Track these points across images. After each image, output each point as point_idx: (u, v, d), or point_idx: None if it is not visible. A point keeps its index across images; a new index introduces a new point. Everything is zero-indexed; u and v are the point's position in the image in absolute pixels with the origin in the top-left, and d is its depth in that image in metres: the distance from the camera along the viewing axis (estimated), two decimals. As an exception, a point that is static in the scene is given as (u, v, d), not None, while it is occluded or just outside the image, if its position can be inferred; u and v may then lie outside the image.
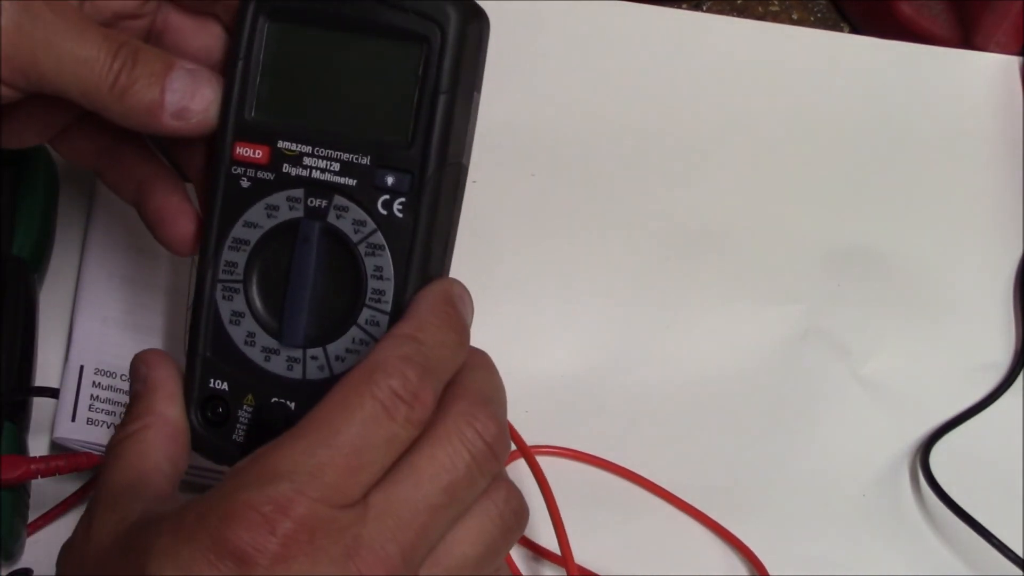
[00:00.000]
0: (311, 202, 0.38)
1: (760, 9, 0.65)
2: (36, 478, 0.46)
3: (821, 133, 0.59)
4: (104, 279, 0.51)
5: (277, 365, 0.38)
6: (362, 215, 0.37)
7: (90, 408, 0.49)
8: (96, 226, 0.52)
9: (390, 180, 0.37)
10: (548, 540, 0.49)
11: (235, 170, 0.38)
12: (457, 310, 0.36)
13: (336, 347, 0.38)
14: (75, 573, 0.34)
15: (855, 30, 0.65)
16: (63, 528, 0.48)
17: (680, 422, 0.53)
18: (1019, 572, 0.50)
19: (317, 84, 0.38)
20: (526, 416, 0.52)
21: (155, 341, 0.51)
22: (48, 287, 0.52)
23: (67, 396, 0.49)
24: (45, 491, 0.48)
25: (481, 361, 0.37)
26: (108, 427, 0.49)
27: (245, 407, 0.38)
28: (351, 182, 0.37)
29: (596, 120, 0.59)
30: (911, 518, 0.53)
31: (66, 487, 0.49)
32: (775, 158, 0.59)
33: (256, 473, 0.32)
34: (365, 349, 0.37)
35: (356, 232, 0.37)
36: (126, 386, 0.50)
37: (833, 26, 0.65)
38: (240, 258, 0.38)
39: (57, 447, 0.49)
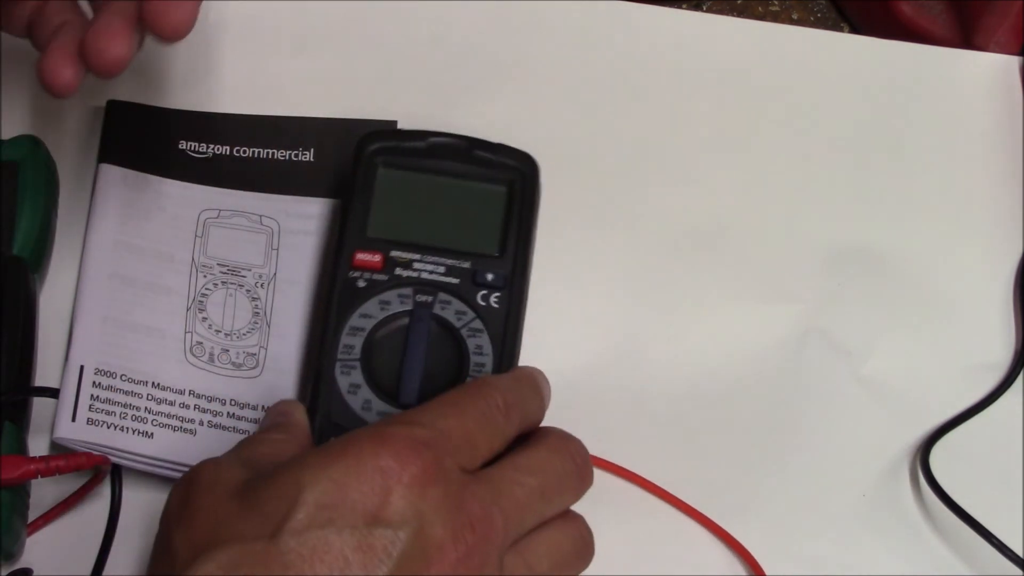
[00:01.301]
0: (419, 297, 0.48)
1: (760, 9, 0.65)
2: (36, 478, 0.46)
3: (821, 133, 0.59)
4: (104, 279, 0.51)
5: None
6: (463, 307, 0.48)
7: (90, 408, 0.49)
8: (96, 226, 0.52)
9: (490, 278, 0.48)
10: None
11: (353, 274, 0.48)
12: (540, 385, 0.45)
13: None
14: (205, 498, 0.38)
15: (855, 30, 0.65)
16: (63, 528, 0.49)
17: (679, 421, 0.53)
18: (1019, 572, 0.50)
19: (423, 210, 0.50)
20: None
21: (154, 341, 0.51)
22: (48, 287, 0.52)
23: (67, 396, 0.49)
24: (45, 491, 0.48)
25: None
26: (108, 427, 0.49)
27: None
28: (455, 281, 0.48)
29: (596, 120, 0.59)
30: (911, 518, 0.53)
31: (66, 487, 0.49)
32: (775, 158, 0.59)
33: (399, 419, 0.39)
34: None
35: (458, 319, 0.48)
36: (126, 386, 0.50)
37: (833, 26, 0.65)
38: (356, 341, 0.47)
39: (57, 447, 0.49)
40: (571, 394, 0.53)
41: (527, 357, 0.53)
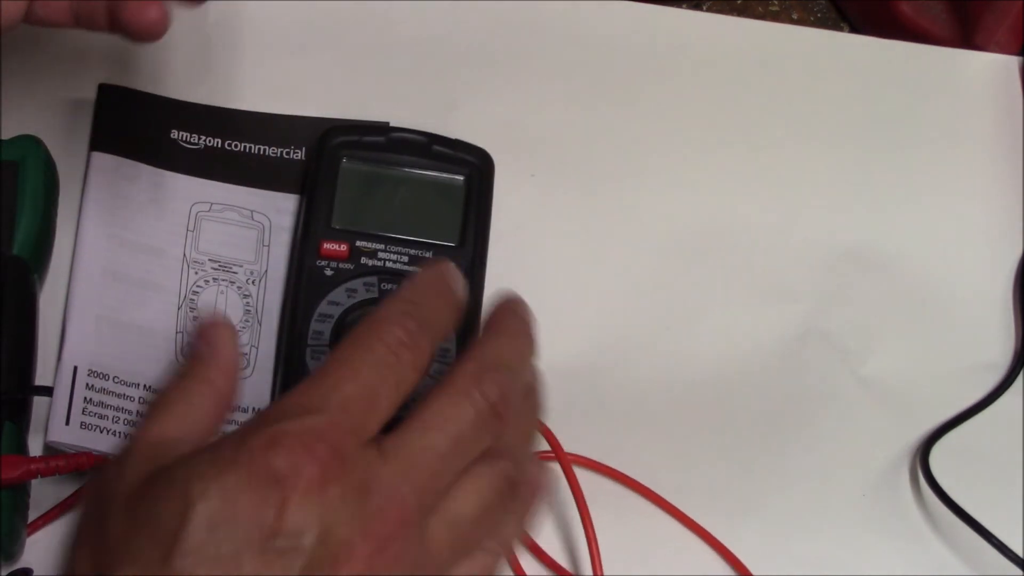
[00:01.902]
0: (384, 285, 0.50)
1: (760, 9, 0.65)
2: (36, 478, 0.46)
3: (821, 133, 0.59)
4: (97, 275, 0.51)
5: None
6: None
7: (84, 412, 0.48)
8: (89, 217, 0.52)
9: None
10: (559, 553, 0.50)
11: (320, 263, 0.50)
12: (447, 282, 0.40)
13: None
14: (105, 509, 0.35)
15: (855, 30, 0.65)
16: (63, 528, 0.49)
17: (679, 421, 0.53)
18: (1019, 572, 0.50)
19: (385, 203, 0.52)
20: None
21: (145, 341, 0.51)
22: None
23: (60, 398, 0.48)
24: (45, 491, 0.48)
25: (512, 328, 0.41)
26: (101, 431, 0.48)
27: None
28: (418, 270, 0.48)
29: (596, 120, 0.59)
30: (911, 518, 0.53)
31: (66, 487, 0.49)
32: (775, 158, 0.59)
33: (291, 407, 0.35)
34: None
35: None
36: (118, 389, 0.50)
37: (833, 26, 0.65)
38: (325, 328, 0.49)
39: (50, 450, 0.49)
40: (570, 395, 0.53)
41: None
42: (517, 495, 0.38)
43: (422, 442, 0.36)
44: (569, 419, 0.51)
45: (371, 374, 0.36)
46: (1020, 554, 0.50)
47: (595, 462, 0.51)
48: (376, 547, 0.34)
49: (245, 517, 0.33)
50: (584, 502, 0.48)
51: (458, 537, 0.36)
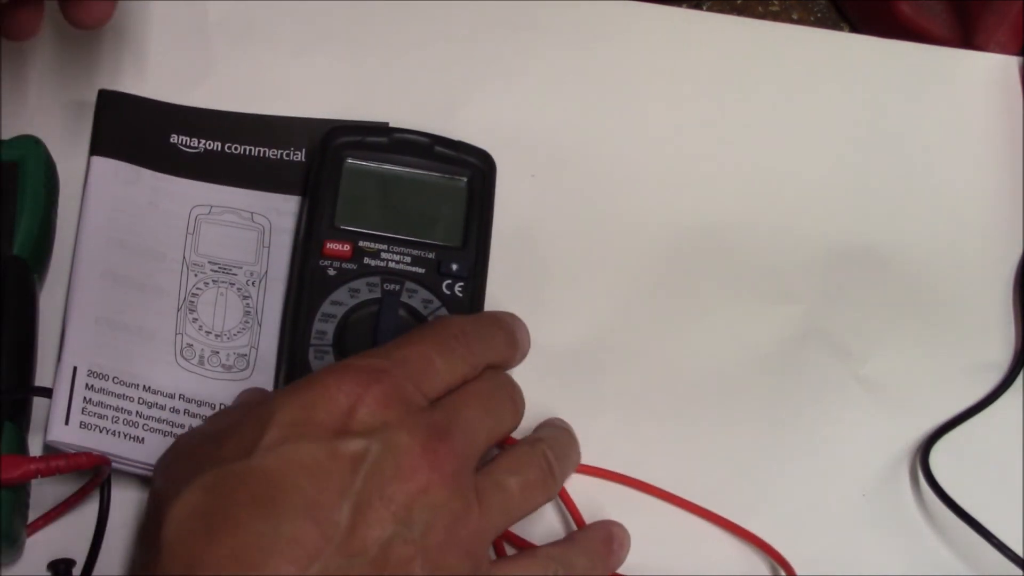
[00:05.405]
0: (387, 286, 0.50)
1: (760, 9, 0.65)
2: (36, 478, 0.46)
3: (821, 133, 0.59)
4: (96, 277, 0.51)
5: None
6: (429, 295, 0.51)
7: (83, 411, 0.48)
8: (88, 221, 0.52)
9: (454, 268, 0.51)
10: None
11: (323, 263, 0.50)
12: (502, 321, 0.48)
13: None
14: (186, 449, 0.43)
15: (855, 30, 0.65)
16: (63, 528, 0.49)
17: (679, 422, 0.53)
18: (1019, 572, 0.50)
19: (388, 203, 0.53)
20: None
21: (145, 342, 0.51)
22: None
23: (60, 398, 0.48)
24: (45, 491, 0.48)
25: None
26: (100, 431, 0.48)
27: None
28: (421, 271, 0.51)
29: (596, 120, 0.59)
30: (911, 518, 0.53)
31: (66, 487, 0.49)
32: (775, 158, 0.59)
33: (358, 355, 0.42)
34: None
35: (425, 307, 0.50)
36: (118, 389, 0.50)
37: (833, 26, 0.65)
38: (328, 327, 0.50)
39: (50, 450, 0.49)
40: (570, 395, 0.53)
41: (528, 357, 0.53)
42: (550, 487, 0.45)
43: (461, 400, 0.43)
44: (568, 419, 0.51)
45: (429, 346, 0.43)
46: (1020, 554, 0.50)
47: (588, 467, 0.51)
48: (436, 461, 0.39)
49: (319, 420, 0.39)
50: (573, 502, 0.48)
51: (504, 501, 0.42)
